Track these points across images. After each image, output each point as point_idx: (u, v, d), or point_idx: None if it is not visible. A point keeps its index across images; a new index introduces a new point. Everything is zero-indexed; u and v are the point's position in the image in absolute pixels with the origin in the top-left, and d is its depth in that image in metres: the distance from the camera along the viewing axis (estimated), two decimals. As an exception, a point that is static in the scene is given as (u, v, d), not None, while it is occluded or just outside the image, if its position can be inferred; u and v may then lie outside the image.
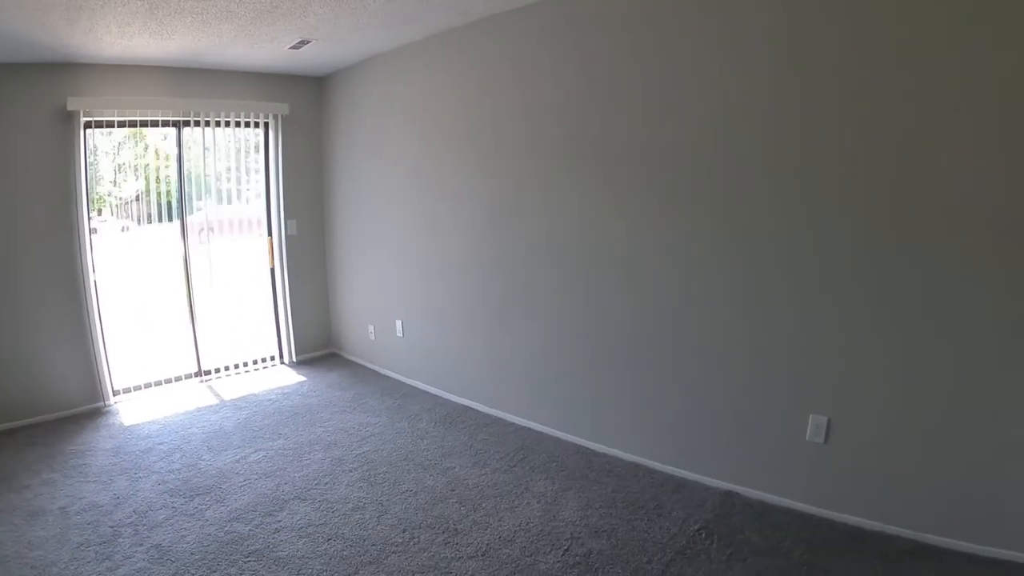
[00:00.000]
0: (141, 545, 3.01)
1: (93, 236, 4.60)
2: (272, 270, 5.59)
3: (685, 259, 3.19)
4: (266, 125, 5.33)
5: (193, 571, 2.77)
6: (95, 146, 4.78)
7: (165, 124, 4.83)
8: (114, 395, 4.88)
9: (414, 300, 4.77)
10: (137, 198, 5.01)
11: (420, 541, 2.94)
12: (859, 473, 2.78)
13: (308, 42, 4.15)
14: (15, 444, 4.24)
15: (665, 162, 3.18)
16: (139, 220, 5.02)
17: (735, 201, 2.99)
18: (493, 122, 3.97)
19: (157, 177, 5.05)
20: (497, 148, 3.97)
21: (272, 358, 5.71)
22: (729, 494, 3.24)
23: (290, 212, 5.52)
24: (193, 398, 4.94)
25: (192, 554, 2.91)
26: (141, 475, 3.73)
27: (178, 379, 5.21)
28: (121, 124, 4.64)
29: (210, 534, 3.06)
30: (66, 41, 3.77)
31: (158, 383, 5.12)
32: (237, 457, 3.88)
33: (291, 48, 4.26)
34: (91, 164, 4.69)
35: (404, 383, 5.13)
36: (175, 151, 4.97)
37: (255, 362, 5.60)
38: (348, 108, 5.24)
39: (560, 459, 3.74)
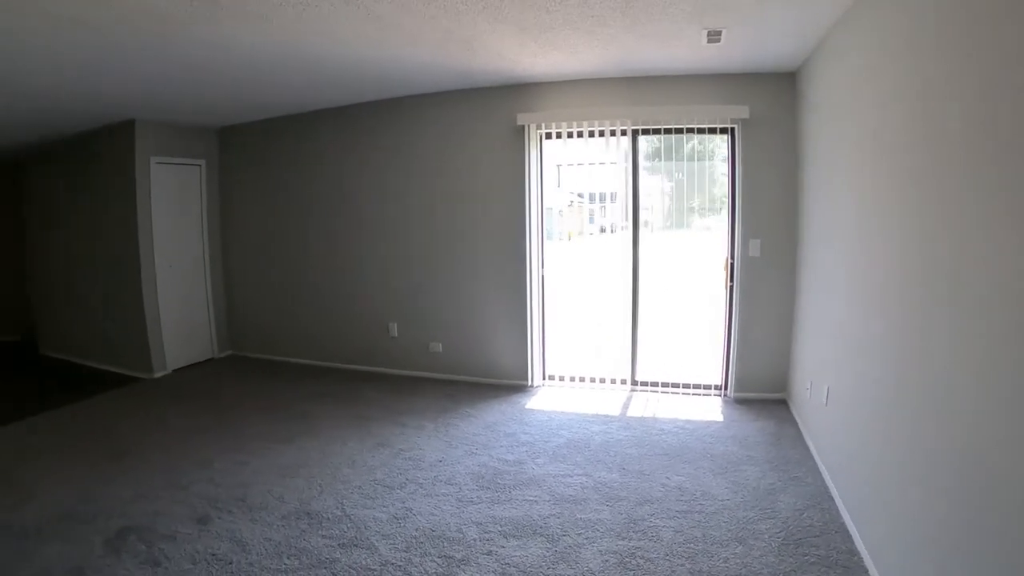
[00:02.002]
0: (403, 503, 3.51)
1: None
2: (729, 292, 5.13)
3: None
4: (723, 131, 5.02)
5: (395, 542, 3.11)
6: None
7: (613, 133, 5.18)
8: (544, 379, 5.64)
9: (848, 361, 3.40)
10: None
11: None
12: None
13: (719, 31, 3.82)
14: (441, 391, 5.52)
15: None
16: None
17: None
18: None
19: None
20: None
21: (709, 387, 5.32)
22: None
23: (752, 230, 4.96)
24: (601, 404, 5.11)
25: (417, 529, 3.22)
26: (477, 453, 4.22)
27: (603, 381, 5.52)
28: (570, 135, 5.28)
29: (447, 524, 3.27)
30: (493, 67, 4.68)
31: (583, 379, 5.57)
32: (560, 473, 3.86)
33: (709, 42, 4.00)
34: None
35: (811, 461, 3.91)
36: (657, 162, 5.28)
37: (690, 386, 5.35)
38: (812, 105, 4.29)
39: None
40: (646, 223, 5.30)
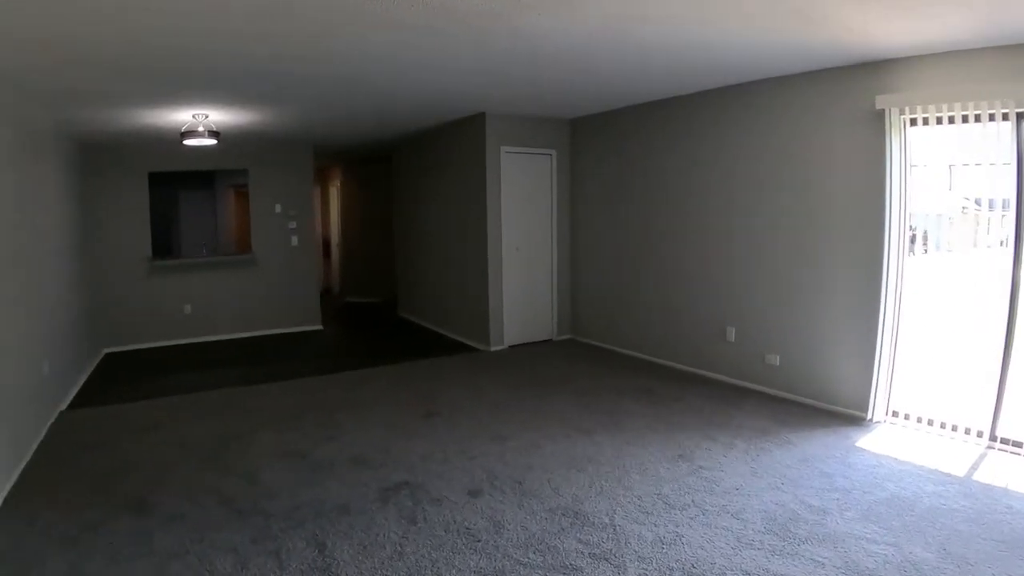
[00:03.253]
0: (676, 527, 3.45)
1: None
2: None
3: None
4: None
5: (648, 567, 3.05)
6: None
7: (991, 118, 4.29)
8: (887, 414, 5.09)
9: None
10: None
11: None
12: None
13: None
14: (767, 409, 5.36)
15: None
16: None
17: None
18: None
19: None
20: None
21: (1090, 459, 4.23)
22: None
23: None
24: (946, 457, 4.45)
25: (677, 561, 3.08)
26: (781, 488, 4.02)
27: (954, 428, 4.78)
28: (938, 121, 4.51)
29: (712, 563, 3.05)
30: (839, 41, 4.26)
31: (931, 423, 4.90)
32: (866, 535, 3.43)
33: None
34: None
35: None
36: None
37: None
38: None
39: None
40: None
